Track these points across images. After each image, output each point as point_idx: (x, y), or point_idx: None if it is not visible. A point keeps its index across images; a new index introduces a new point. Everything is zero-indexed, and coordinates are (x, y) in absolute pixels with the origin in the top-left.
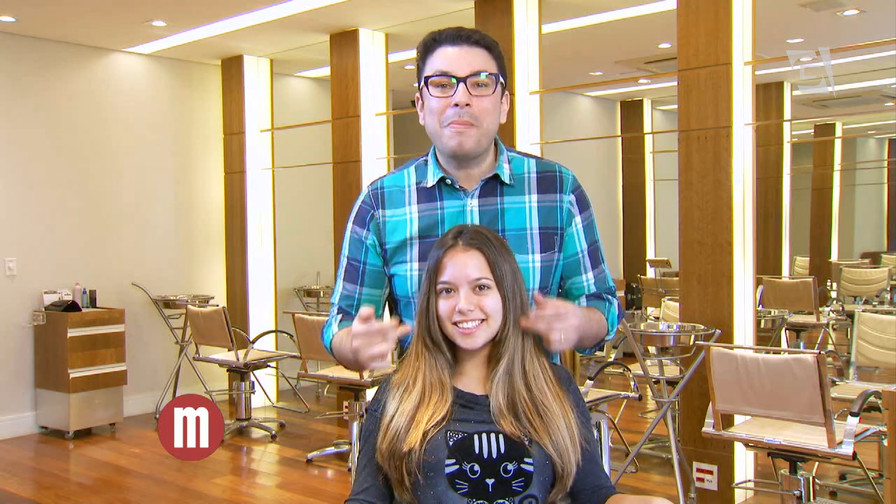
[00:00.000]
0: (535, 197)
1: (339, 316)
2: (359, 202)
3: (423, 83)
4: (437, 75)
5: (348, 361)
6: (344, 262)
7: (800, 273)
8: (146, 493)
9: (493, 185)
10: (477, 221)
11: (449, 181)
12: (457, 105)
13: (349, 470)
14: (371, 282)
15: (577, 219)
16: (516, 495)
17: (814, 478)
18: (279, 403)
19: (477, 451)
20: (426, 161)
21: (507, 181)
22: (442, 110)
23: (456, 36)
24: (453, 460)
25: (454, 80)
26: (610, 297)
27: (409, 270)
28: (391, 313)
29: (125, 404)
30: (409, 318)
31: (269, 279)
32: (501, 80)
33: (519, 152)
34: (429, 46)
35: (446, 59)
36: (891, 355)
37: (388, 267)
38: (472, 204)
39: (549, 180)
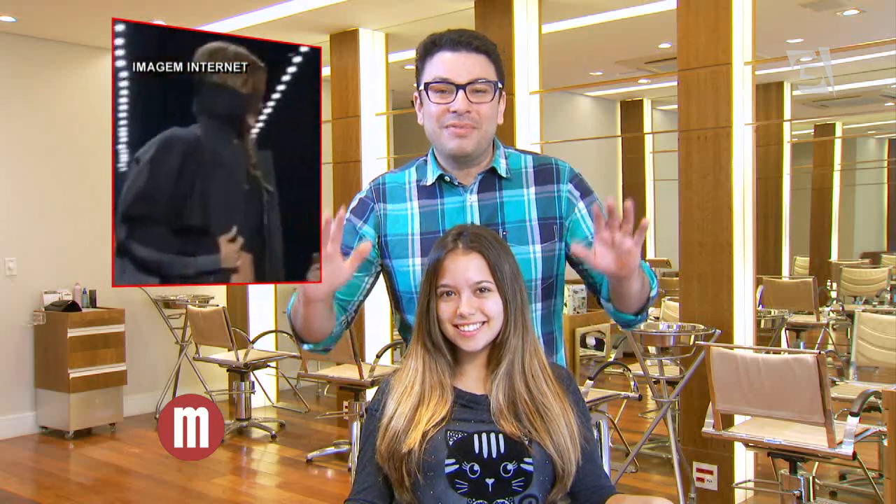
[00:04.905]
0: (532, 189)
1: None
2: (359, 196)
3: (422, 87)
4: (436, 81)
5: (298, 315)
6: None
7: (800, 273)
8: (146, 493)
9: (491, 180)
10: (477, 216)
11: (448, 178)
12: (456, 112)
13: (349, 470)
14: (358, 268)
15: (580, 205)
16: (516, 495)
17: (814, 478)
18: (279, 403)
19: (477, 450)
20: (426, 161)
21: (503, 175)
22: (441, 114)
23: (456, 41)
24: (453, 460)
25: (453, 88)
26: None
27: (412, 266)
28: (395, 311)
29: (125, 404)
30: (413, 313)
31: None
32: (499, 85)
33: (516, 149)
34: (428, 49)
35: (445, 65)
36: (891, 355)
37: (388, 260)
38: (472, 199)
39: (546, 172)
